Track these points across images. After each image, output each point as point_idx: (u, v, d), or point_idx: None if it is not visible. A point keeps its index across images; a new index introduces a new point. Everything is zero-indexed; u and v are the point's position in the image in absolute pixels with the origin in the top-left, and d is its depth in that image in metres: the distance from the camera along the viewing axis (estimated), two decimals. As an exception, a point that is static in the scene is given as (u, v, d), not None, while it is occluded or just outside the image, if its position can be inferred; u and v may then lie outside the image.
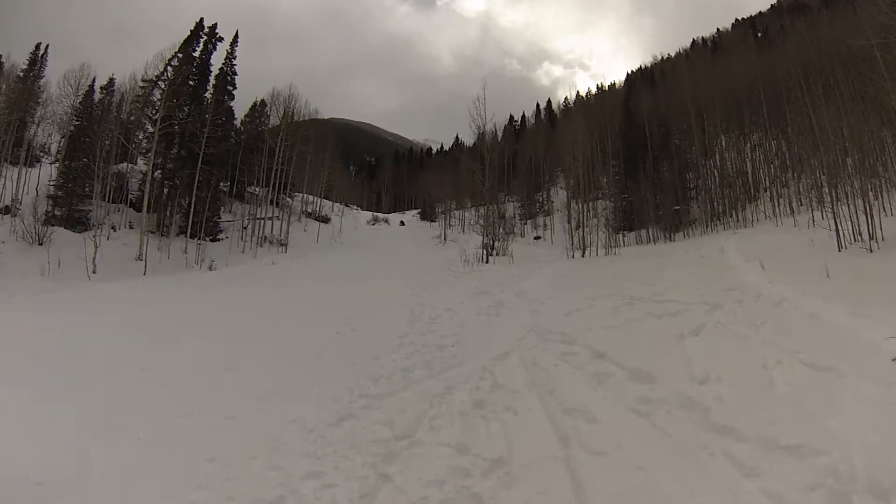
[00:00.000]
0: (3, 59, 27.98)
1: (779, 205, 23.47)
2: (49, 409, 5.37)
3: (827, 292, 5.38)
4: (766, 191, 26.60)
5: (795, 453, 2.57)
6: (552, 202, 38.67)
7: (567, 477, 2.72)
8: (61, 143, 27.54)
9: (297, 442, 3.82)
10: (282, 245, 29.40)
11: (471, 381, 4.45)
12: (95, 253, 19.31)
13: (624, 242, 24.63)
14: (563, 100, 66.04)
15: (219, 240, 27.51)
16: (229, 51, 30.52)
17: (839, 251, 8.63)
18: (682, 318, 5.21)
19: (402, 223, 41.30)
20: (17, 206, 22.72)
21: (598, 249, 17.11)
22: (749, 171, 28.23)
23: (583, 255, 16.62)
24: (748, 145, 29.28)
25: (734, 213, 26.09)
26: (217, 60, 30.00)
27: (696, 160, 30.77)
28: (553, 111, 54.90)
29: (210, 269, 22.02)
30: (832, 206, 9.63)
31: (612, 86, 50.46)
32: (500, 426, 3.50)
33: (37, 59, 28.87)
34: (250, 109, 34.68)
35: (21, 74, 27.91)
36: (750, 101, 28.56)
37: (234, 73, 30.53)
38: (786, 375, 3.48)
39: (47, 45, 29.44)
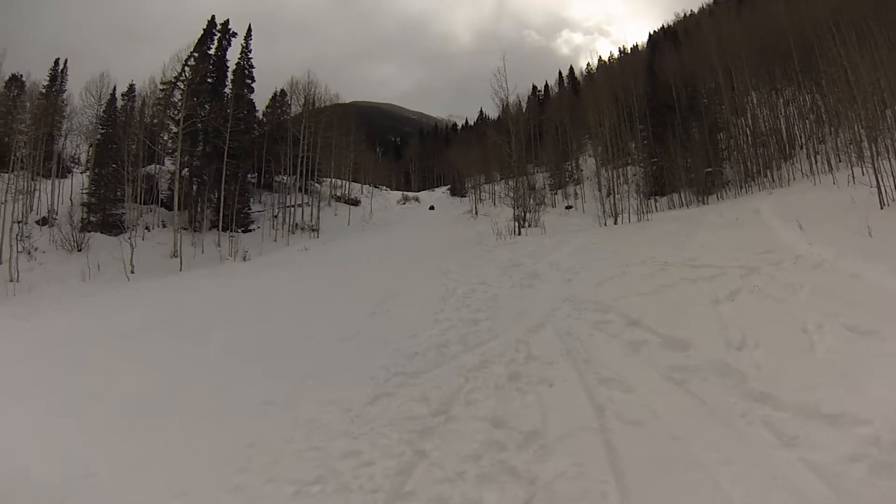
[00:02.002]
0: (25, 78, 28.75)
1: (816, 162, 22.35)
2: (92, 402, 5.67)
3: (869, 252, 5.14)
4: (801, 148, 25.37)
5: (836, 422, 2.49)
6: (581, 171, 37.74)
7: (602, 448, 2.72)
8: (90, 152, 28.47)
9: (334, 422, 3.91)
10: (313, 230, 29.69)
11: (506, 354, 4.46)
12: (132, 254, 20.03)
13: (656, 208, 24.04)
14: (585, 66, 64.39)
15: (250, 230, 28.00)
16: (244, 45, 30.68)
17: (881, 209, 8.18)
18: (717, 282, 5.08)
19: (432, 207, 39.24)
20: (54, 216, 23.68)
21: (630, 216, 16.82)
22: (783, 127, 26.91)
23: (615, 223, 16.39)
24: (781, 101, 27.86)
25: (769, 173, 25.02)
26: (233, 56, 30.23)
27: (726, 119, 29.49)
28: (576, 78, 53.37)
29: (244, 259, 22.49)
30: (872, 161, 9.12)
31: (635, 48, 48.70)
32: (536, 398, 3.51)
33: (57, 75, 29.58)
34: (271, 100, 34.88)
35: (43, 91, 28.75)
36: (780, 54, 27.06)
37: (251, 67, 30.73)
38: (826, 340, 3.35)
39: (66, 60, 30.14)
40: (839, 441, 2.36)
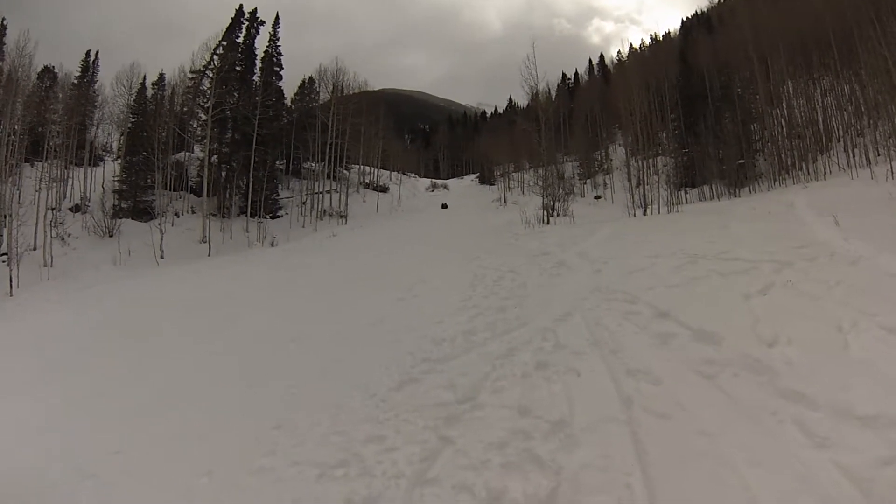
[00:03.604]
0: (57, 70, 29.65)
1: (853, 155, 21.52)
2: (123, 387, 5.88)
3: (908, 250, 4.93)
4: (839, 140, 24.43)
5: (871, 424, 2.41)
6: (611, 160, 37.25)
7: (629, 440, 2.70)
8: (121, 141, 29.38)
9: (359, 407, 3.96)
10: (341, 217, 30.03)
11: (533, 342, 4.44)
12: (161, 239, 20.59)
13: (686, 199, 23.56)
14: (616, 54, 63.08)
15: (278, 217, 28.45)
16: (272, 33, 31.02)
17: (922, 205, 7.88)
18: (748, 276, 4.93)
19: (445, 206, 34.48)
20: (87, 203, 24.56)
21: (660, 207, 16.56)
22: (820, 119, 25.92)
23: (644, 214, 16.14)
24: (818, 91, 26.80)
25: (804, 166, 24.19)
26: (261, 44, 30.63)
27: (761, 109, 28.54)
28: (606, 66, 52.37)
29: (272, 245, 22.90)
30: (913, 155, 8.74)
31: (667, 35, 47.41)
32: (563, 387, 3.48)
33: (89, 66, 30.43)
34: (299, 87, 35.29)
35: (75, 81, 29.62)
36: (818, 43, 26.01)
37: (280, 54, 31.07)
38: (861, 339, 3.23)
39: (97, 52, 30.99)
40: (873, 444, 2.29)
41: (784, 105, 27.66)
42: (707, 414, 2.77)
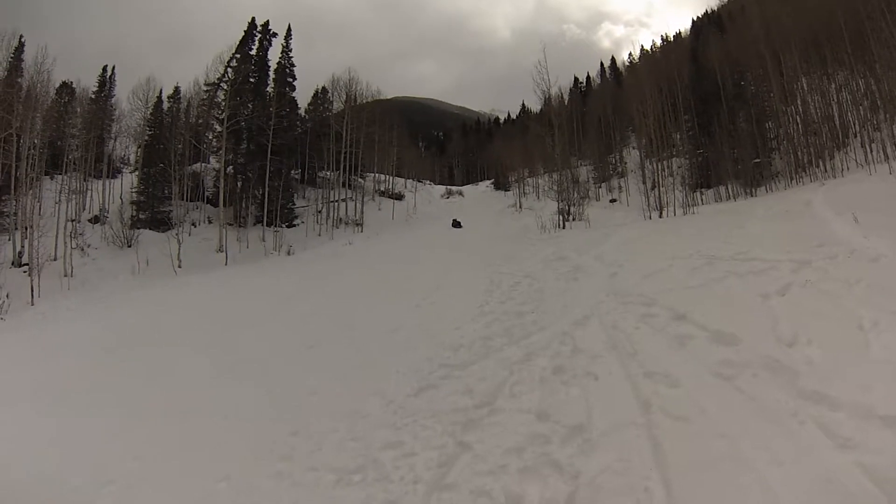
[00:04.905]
0: (75, 85, 30.32)
1: (871, 151, 21.10)
2: (144, 393, 5.96)
3: (930, 246, 4.83)
4: (855, 136, 23.95)
5: (893, 424, 2.36)
6: (625, 163, 37.03)
7: (648, 444, 2.67)
8: (138, 153, 29.93)
9: (377, 413, 3.99)
10: (357, 225, 30.17)
11: (551, 347, 4.44)
12: (179, 249, 20.92)
13: (702, 200, 23.37)
14: (627, 57, 62.78)
15: (294, 225, 28.66)
16: (284, 45, 31.47)
17: (942, 200, 7.73)
18: (767, 276, 4.88)
19: (458, 225, 27.66)
20: (105, 214, 25.04)
21: (676, 209, 16.49)
22: (835, 115, 25.45)
23: (660, 216, 16.09)
24: (833, 86, 26.35)
25: (821, 163, 23.76)
26: (273, 56, 31.04)
27: (775, 107, 28.14)
28: (618, 69, 52.15)
29: (288, 254, 23.10)
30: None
31: (678, 35, 47.11)
32: (581, 391, 3.48)
33: (105, 81, 31.06)
34: (312, 98, 35.71)
35: (93, 96, 30.28)
36: (830, 37, 25.59)
37: (292, 65, 31.48)
38: (883, 338, 3.16)
39: (114, 67, 31.64)
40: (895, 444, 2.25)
41: (799, 102, 27.23)
42: (726, 416, 2.74)
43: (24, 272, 16.49)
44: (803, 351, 3.25)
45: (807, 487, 2.14)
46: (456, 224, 25.65)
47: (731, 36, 32.92)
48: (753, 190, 24.81)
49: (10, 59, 22.00)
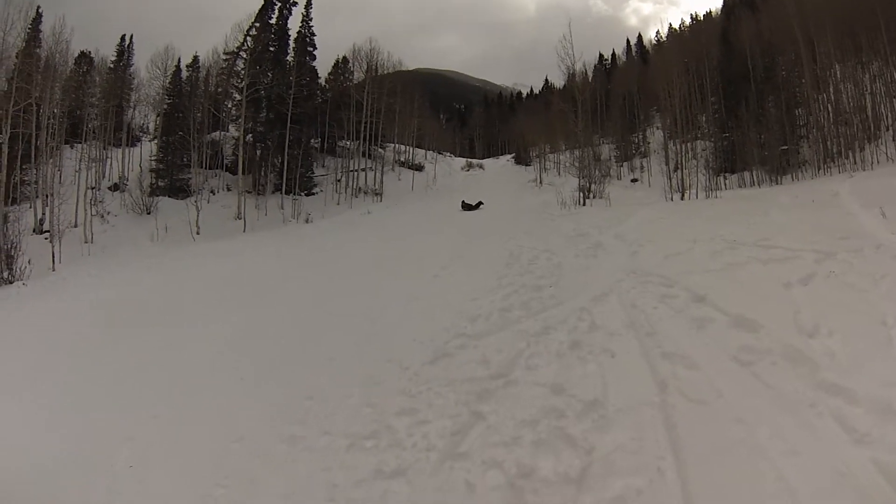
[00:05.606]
0: (93, 55, 30.35)
1: (903, 144, 20.51)
2: (163, 355, 6.09)
3: (960, 244, 4.68)
4: (888, 129, 23.21)
5: None
6: (648, 143, 36.23)
7: (663, 424, 2.67)
8: (157, 122, 30.10)
9: (392, 380, 4.03)
10: (377, 195, 30.15)
11: (568, 322, 4.42)
12: (198, 216, 21.16)
13: (725, 185, 22.82)
14: (654, 34, 60.96)
15: (313, 194, 28.72)
16: (304, 13, 30.99)
17: (975, 199, 7.44)
18: (789, 265, 4.78)
19: (474, 206, 23.04)
20: (125, 182, 25.40)
21: (698, 192, 16.20)
22: (868, 105, 24.57)
23: (682, 198, 15.79)
24: (867, 76, 25.40)
25: (850, 155, 23.07)
26: (293, 25, 30.62)
27: (806, 94, 27.19)
28: (645, 47, 50.70)
29: (307, 221, 23.29)
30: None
31: (709, 14, 45.46)
32: (597, 367, 3.47)
33: (124, 50, 31.08)
34: (333, 67, 35.29)
35: (111, 65, 30.36)
36: (866, 25, 24.54)
37: (313, 34, 31.08)
38: (906, 334, 3.08)
39: (132, 35, 31.61)
40: (914, 444, 2.20)
41: (831, 90, 26.32)
42: (744, 402, 2.72)
43: (46, 239, 16.89)
44: (824, 342, 3.19)
45: (821, 480, 2.13)
46: (467, 206, 21.21)
47: (764, 17, 31.65)
48: (779, 177, 24.23)
49: (28, 30, 22.05)
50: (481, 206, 20.93)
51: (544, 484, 2.49)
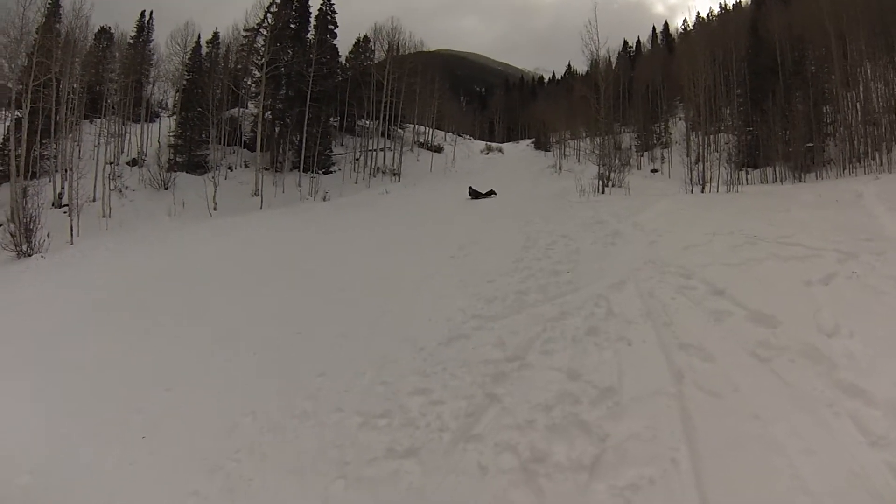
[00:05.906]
0: (113, 30, 30.49)
1: (933, 148, 19.93)
2: (177, 327, 6.17)
3: None
4: (918, 131, 22.59)
5: None
6: (670, 134, 35.68)
7: (678, 414, 2.66)
8: (176, 97, 30.26)
9: (406, 360, 4.04)
10: (395, 175, 30.21)
11: (585, 308, 4.39)
12: (215, 192, 21.37)
13: (747, 180, 22.49)
14: (681, 23, 59.52)
15: (331, 172, 28.85)
16: (326, -10, 30.80)
17: None
18: (810, 263, 4.69)
19: (485, 194, 20.28)
20: (143, 157, 25.74)
21: (719, 186, 15.94)
22: (899, 106, 23.93)
23: (702, 191, 15.55)
24: (898, 76, 24.64)
25: (877, 156, 22.53)
26: (315, 2, 30.54)
27: (835, 91, 26.46)
28: (670, 36, 49.59)
29: (324, 199, 23.44)
30: None
31: (738, 4, 44.26)
32: (613, 355, 3.45)
33: (144, 26, 31.03)
34: (354, 46, 35.06)
35: (131, 41, 30.42)
36: (900, 22, 23.70)
37: (334, 12, 30.92)
38: (928, 341, 3.03)
39: (151, 12, 31.54)
40: (930, 449, 2.18)
41: (861, 88, 25.59)
42: (760, 397, 2.70)
43: (65, 212, 17.17)
44: (844, 342, 3.15)
45: (835, 479, 2.12)
46: (475, 194, 19.34)
47: (795, 9, 30.71)
48: (803, 175, 23.75)
49: (48, 5, 22.13)
50: (493, 195, 19.15)
51: (557, 469, 2.50)
